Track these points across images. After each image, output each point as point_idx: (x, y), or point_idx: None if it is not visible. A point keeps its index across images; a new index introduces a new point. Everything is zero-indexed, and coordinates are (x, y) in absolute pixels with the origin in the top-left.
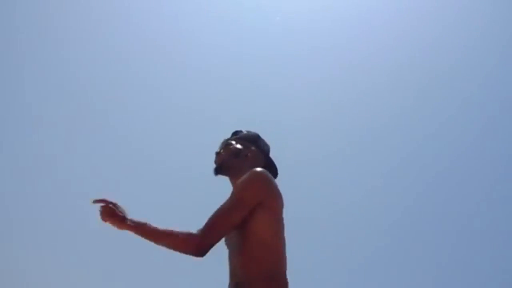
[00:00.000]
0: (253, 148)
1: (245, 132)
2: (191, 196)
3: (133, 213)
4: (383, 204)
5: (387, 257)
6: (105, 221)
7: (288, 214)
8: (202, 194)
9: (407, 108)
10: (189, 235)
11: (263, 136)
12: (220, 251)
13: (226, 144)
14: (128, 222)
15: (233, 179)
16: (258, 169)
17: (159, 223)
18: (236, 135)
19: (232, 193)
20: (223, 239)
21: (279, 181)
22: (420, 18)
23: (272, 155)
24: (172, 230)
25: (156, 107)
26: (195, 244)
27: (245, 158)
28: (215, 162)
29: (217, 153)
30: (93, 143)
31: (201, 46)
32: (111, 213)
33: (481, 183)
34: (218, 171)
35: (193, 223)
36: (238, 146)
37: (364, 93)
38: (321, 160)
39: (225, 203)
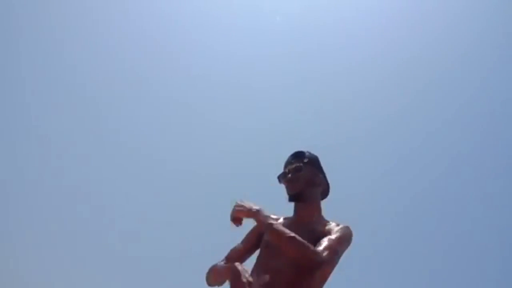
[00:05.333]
0: (320, 175)
1: (307, 153)
2: (191, 196)
3: (132, 212)
4: (382, 203)
5: (386, 256)
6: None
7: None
8: (201, 194)
9: (407, 107)
10: (318, 250)
11: (263, 135)
12: None
13: (296, 169)
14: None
15: (306, 206)
16: (350, 228)
17: (159, 222)
18: (301, 157)
19: (342, 232)
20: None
21: None
22: (420, 18)
23: (276, 154)
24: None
25: (156, 108)
26: (321, 260)
27: (318, 187)
28: (289, 188)
29: (288, 178)
30: (94, 144)
31: (201, 46)
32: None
33: (482, 182)
34: (294, 199)
35: (192, 222)
36: (309, 174)
37: (365, 92)
38: (321, 157)
39: (341, 239)
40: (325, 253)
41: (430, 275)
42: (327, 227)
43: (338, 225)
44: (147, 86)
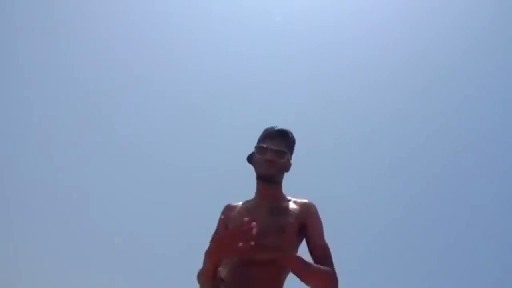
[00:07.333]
0: (291, 160)
1: (291, 137)
2: (192, 196)
3: (132, 212)
4: (381, 202)
5: (385, 256)
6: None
7: None
8: (202, 194)
9: (406, 106)
10: (334, 273)
11: (259, 133)
12: None
13: (280, 155)
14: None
15: (273, 188)
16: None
17: (159, 221)
18: (286, 140)
19: (322, 231)
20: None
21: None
22: (419, 17)
23: None
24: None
25: (156, 107)
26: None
27: (287, 172)
28: (266, 169)
29: (269, 159)
30: (94, 143)
31: (201, 46)
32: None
33: (481, 182)
34: (266, 179)
35: (192, 222)
36: (287, 161)
37: (364, 91)
38: (320, 156)
39: (324, 241)
40: (334, 270)
41: (429, 275)
42: (298, 211)
43: (307, 208)
44: (148, 86)
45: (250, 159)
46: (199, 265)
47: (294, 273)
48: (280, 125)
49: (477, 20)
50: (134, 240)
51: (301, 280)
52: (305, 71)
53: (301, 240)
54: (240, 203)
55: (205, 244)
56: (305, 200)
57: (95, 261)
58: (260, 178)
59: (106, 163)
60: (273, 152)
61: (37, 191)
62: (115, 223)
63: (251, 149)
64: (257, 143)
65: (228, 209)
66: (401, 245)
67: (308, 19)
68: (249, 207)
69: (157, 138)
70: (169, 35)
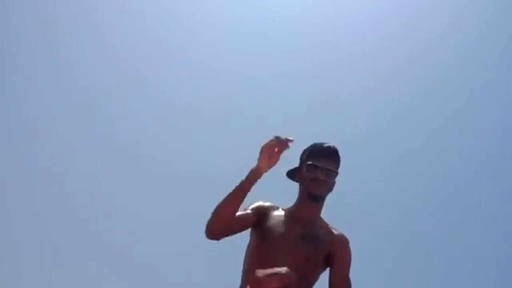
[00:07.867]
0: None
1: (339, 156)
2: (192, 195)
3: (132, 212)
4: (381, 202)
5: (384, 256)
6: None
7: None
8: (203, 194)
9: (405, 107)
10: None
11: (261, 134)
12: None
13: (333, 177)
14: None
15: (316, 208)
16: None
17: (160, 221)
18: (338, 162)
19: (349, 268)
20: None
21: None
22: (420, 16)
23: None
24: None
25: (156, 107)
26: None
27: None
28: (319, 190)
29: (324, 181)
30: (94, 143)
31: (201, 46)
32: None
33: (481, 182)
34: (316, 200)
35: (192, 222)
36: (334, 182)
37: (363, 92)
38: None
39: (349, 277)
40: None
41: (428, 276)
42: (330, 240)
43: (342, 240)
44: (148, 86)
45: (291, 174)
46: (198, 266)
47: None
48: (277, 125)
49: (477, 20)
50: (134, 240)
51: None
52: (306, 72)
53: (325, 269)
54: (279, 207)
55: (205, 244)
56: (341, 233)
57: (95, 261)
58: (310, 197)
59: (106, 163)
60: (325, 171)
61: (36, 190)
62: (114, 223)
63: (251, 150)
64: (305, 159)
65: (267, 204)
66: (400, 248)
67: (309, 20)
68: (285, 220)
69: (157, 138)
70: (166, 35)
